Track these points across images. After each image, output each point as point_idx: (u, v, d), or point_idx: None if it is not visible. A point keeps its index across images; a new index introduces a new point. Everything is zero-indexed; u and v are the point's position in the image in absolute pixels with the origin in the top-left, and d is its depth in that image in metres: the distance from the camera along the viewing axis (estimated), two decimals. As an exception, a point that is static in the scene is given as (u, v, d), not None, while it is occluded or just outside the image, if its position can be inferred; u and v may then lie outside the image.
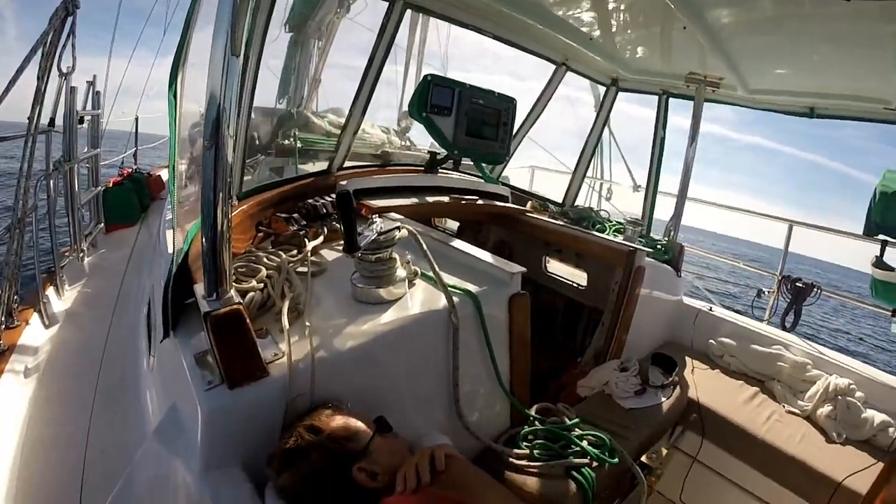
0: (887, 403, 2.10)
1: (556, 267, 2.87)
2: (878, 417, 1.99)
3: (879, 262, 2.38)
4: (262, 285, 1.36)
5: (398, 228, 1.37)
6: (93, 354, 2.27)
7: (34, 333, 2.34)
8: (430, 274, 1.38)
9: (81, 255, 3.22)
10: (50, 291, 2.67)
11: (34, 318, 2.42)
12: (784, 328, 2.86)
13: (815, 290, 2.99)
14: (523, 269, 1.48)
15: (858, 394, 2.12)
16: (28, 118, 2.40)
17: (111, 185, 3.99)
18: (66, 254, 3.18)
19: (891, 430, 1.96)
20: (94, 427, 1.85)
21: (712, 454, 2.11)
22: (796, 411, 2.10)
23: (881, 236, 2.42)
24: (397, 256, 1.40)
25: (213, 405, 1.06)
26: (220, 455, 1.08)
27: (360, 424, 1.10)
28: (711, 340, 2.55)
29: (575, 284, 2.76)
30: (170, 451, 1.17)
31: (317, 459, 1.01)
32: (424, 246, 1.36)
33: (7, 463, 1.62)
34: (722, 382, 2.32)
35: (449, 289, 1.35)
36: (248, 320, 1.08)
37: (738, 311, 2.90)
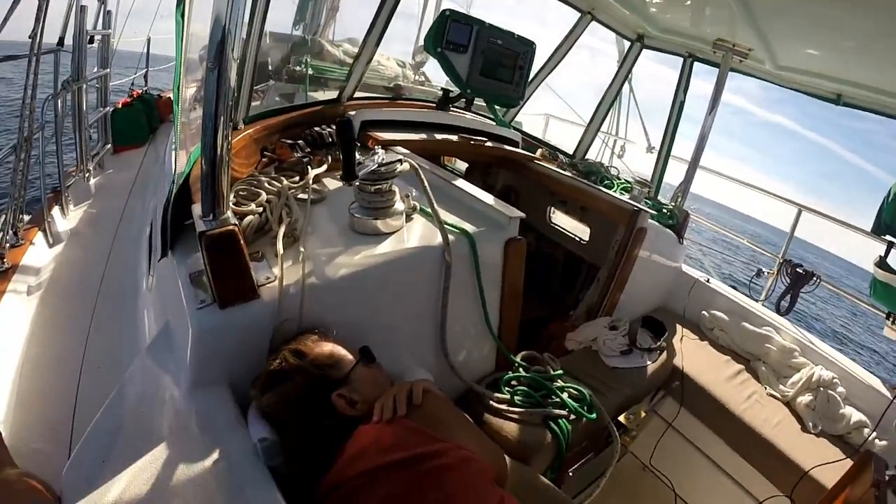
0: (866, 403, 2.11)
1: (560, 219, 2.85)
2: (855, 416, 2.01)
3: (882, 263, 2.34)
4: (260, 209, 1.36)
5: (400, 161, 1.36)
6: (94, 273, 2.30)
7: (38, 252, 2.37)
8: (429, 210, 1.37)
9: (88, 175, 3.21)
10: (55, 211, 2.68)
11: (38, 237, 2.44)
12: (778, 311, 2.85)
13: (815, 278, 2.95)
14: (522, 214, 1.46)
15: (840, 389, 2.13)
16: (30, 36, 2.34)
17: (120, 105, 3.94)
18: (73, 174, 3.17)
19: (865, 430, 1.98)
20: (92, 344, 1.90)
21: (688, 423, 2.15)
22: (777, 395, 2.12)
23: (888, 237, 2.38)
24: (397, 190, 1.39)
25: (204, 323, 1.09)
26: (208, 373, 1.11)
27: (343, 352, 1.12)
28: (704, 312, 2.55)
29: (577, 238, 2.75)
30: (161, 367, 1.21)
31: (299, 383, 1.03)
32: (425, 181, 1.34)
33: (7, 378, 1.67)
34: (708, 355, 2.34)
35: (445, 226, 1.35)
36: (242, 242, 1.08)
37: (734, 287, 2.90)
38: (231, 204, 1.35)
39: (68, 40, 2.91)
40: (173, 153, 1.84)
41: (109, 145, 3.76)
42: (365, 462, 0.92)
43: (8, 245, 2.29)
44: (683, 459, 2.18)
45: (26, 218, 2.54)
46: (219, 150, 1.00)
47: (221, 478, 0.94)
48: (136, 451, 1.03)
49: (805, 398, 2.06)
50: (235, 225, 1.07)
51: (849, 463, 1.76)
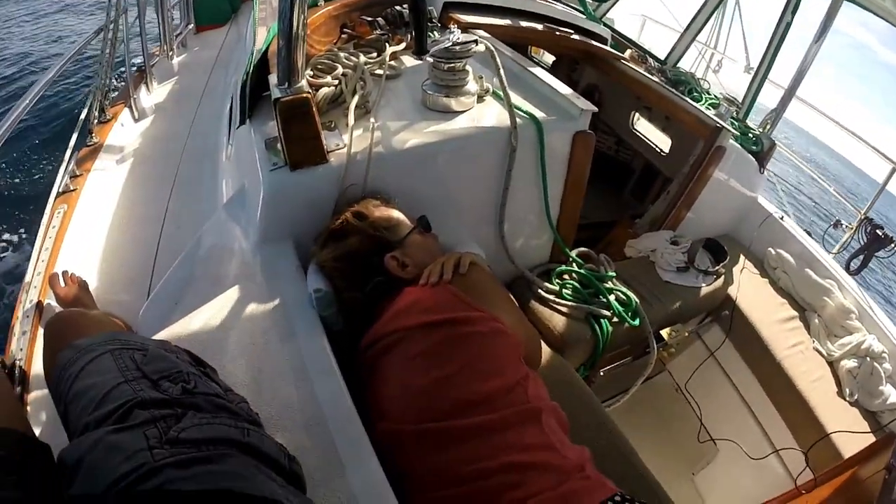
0: None
1: (643, 126, 2.74)
2: (893, 396, 1.89)
3: None
4: (336, 82, 1.39)
5: (475, 42, 1.33)
6: (177, 144, 2.44)
7: (125, 127, 2.52)
8: (500, 93, 1.35)
9: (171, 54, 3.32)
10: (141, 88, 2.81)
11: (125, 114, 2.59)
12: (847, 269, 2.65)
13: (894, 244, 2.69)
14: (594, 108, 1.41)
15: (886, 365, 1.99)
16: None
17: (202, -15, 3.97)
18: (156, 54, 3.28)
19: (898, 413, 1.87)
20: (173, 208, 2.07)
21: (729, 356, 2.12)
22: (822, 352, 2.02)
23: None
24: (470, 70, 1.38)
25: (275, 184, 1.17)
26: (275, 229, 1.21)
27: (401, 217, 1.17)
28: (771, 249, 2.42)
29: (657, 149, 2.64)
30: (234, 222, 1.31)
31: (356, 241, 1.10)
32: (499, 63, 1.31)
33: (95, 237, 1.84)
34: (764, 293, 2.24)
35: (514, 109, 1.33)
36: (314, 108, 1.13)
37: (808, 232, 2.71)
38: (308, 76, 1.40)
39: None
40: (253, 29, 1.87)
41: (192, 25, 3.82)
42: (405, 320, 0.98)
43: (96, 122, 2.46)
44: (717, 390, 2.18)
45: (112, 97, 2.69)
46: (295, 22, 1.02)
47: (278, 322, 1.04)
48: (205, 296, 1.16)
49: (849, 363, 1.95)
50: (308, 93, 1.11)
51: (871, 439, 1.71)
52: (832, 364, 2.00)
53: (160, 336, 1.05)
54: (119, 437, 0.61)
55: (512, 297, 1.36)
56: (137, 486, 0.56)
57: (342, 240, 1.11)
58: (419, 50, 1.25)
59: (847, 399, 1.87)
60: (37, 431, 0.71)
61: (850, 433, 1.70)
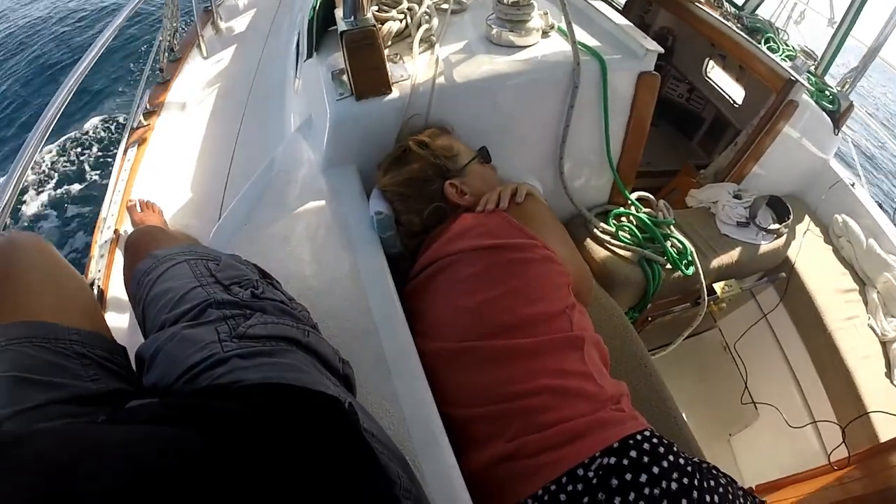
0: None
1: (717, 74, 2.63)
2: None
3: None
4: (401, 16, 1.41)
5: None
6: (246, 79, 2.53)
7: (194, 64, 2.61)
8: (565, 29, 1.33)
9: (238, -8, 3.38)
10: (208, 28, 2.89)
11: (193, 52, 2.67)
12: None
13: None
14: (660, 49, 1.37)
15: None
16: None
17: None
18: None
19: (947, 404, 1.76)
20: (243, 139, 2.16)
21: (781, 320, 2.07)
22: (877, 330, 1.92)
23: None
24: (535, 4, 1.36)
25: (341, 112, 1.21)
26: (341, 154, 1.26)
27: (462, 147, 1.20)
28: (837, 216, 2.30)
29: (730, 99, 2.55)
30: (302, 148, 1.37)
31: (417, 168, 1.13)
32: None
33: (169, 167, 1.95)
34: (825, 260, 2.14)
35: (579, 46, 1.31)
36: (379, 40, 1.15)
37: (879, 205, 2.55)
38: (374, 10, 1.41)
39: None
40: None
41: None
42: (459, 243, 1.01)
43: (167, 60, 2.56)
44: (764, 352, 2.14)
45: (182, 36, 2.78)
46: None
47: (340, 240, 1.11)
48: (273, 216, 1.23)
49: None
50: (374, 26, 1.14)
51: None
52: (885, 344, 1.92)
53: (230, 251, 1.14)
54: (194, 331, 0.68)
55: (565, 228, 1.38)
56: (207, 373, 0.63)
57: (404, 165, 1.15)
58: None
59: (894, 382, 1.81)
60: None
61: (891, 416, 1.65)
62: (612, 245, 1.52)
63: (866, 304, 2.04)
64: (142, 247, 0.97)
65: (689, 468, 0.80)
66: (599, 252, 1.51)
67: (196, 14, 2.88)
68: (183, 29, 2.90)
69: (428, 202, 1.13)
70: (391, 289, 1.02)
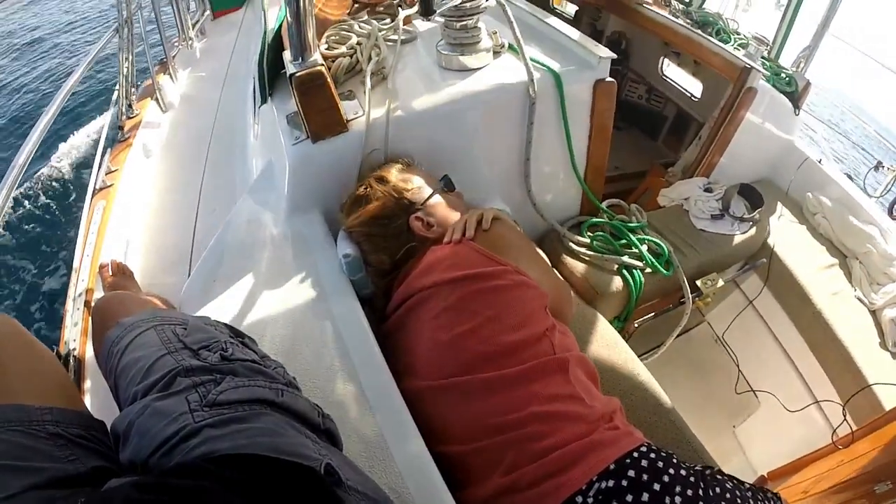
0: None
1: (673, 72, 2.67)
2: None
3: None
4: (351, 51, 1.40)
5: None
6: (206, 129, 2.50)
7: (152, 119, 2.57)
8: (516, 47, 1.33)
9: (191, 42, 3.36)
10: (164, 80, 2.85)
11: (151, 106, 2.63)
12: (891, 214, 2.51)
13: None
14: (613, 54, 1.38)
15: None
16: None
17: (214, -29, 3.99)
18: (176, 44, 3.33)
19: (945, 362, 1.77)
20: (206, 191, 2.13)
21: (768, 304, 2.07)
22: (865, 301, 1.94)
23: None
24: (483, 26, 1.36)
25: (299, 156, 1.20)
26: (304, 199, 1.24)
27: (425, 178, 1.18)
28: (809, 194, 2.32)
29: (689, 94, 2.58)
30: (264, 197, 1.35)
31: (380, 206, 1.11)
32: (510, 15, 1.29)
33: (135, 226, 1.91)
34: (803, 239, 2.16)
35: (531, 62, 1.31)
36: (329, 80, 1.14)
37: (849, 177, 2.58)
38: (322, 48, 1.40)
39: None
40: (264, 9, 1.89)
41: (208, 11, 3.86)
42: (431, 277, 0.99)
43: (125, 117, 2.53)
44: (755, 339, 2.14)
45: (138, 92, 2.74)
46: None
47: (310, 288, 1.08)
48: (240, 271, 1.20)
49: (891, 312, 1.87)
50: (322, 65, 1.13)
51: None
52: (874, 313, 1.92)
53: (201, 312, 1.10)
54: (164, 403, 0.66)
55: (539, 249, 1.36)
56: (180, 446, 0.61)
57: (366, 205, 1.13)
58: (425, 11, 1.24)
59: (890, 349, 1.80)
60: (93, 412, 0.77)
61: (891, 386, 1.64)
62: (589, 257, 1.50)
63: (850, 276, 2.05)
64: (110, 314, 0.95)
65: (691, 479, 0.78)
66: (577, 266, 1.49)
67: (151, 67, 2.84)
68: (139, 84, 2.87)
69: (395, 239, 1.11)
70: (367, 332, 0.99)
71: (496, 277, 0.97)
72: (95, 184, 2.14)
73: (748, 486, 0.84)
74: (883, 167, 2.80)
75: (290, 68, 1.13)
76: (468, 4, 1.29)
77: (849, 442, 1.44)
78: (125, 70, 2.55)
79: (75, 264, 1.77)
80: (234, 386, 0.69)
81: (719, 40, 2.28)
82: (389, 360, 0.95)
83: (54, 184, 4.78)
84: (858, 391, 1.64)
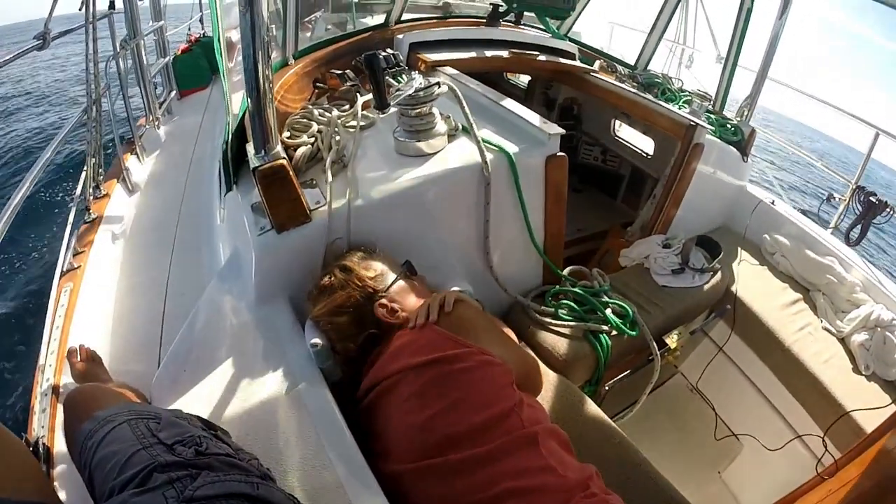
0: None
1: (626, 132, 2.76)
2: None
3: None
4: (312, 140, 1.45)
5: (437, 84, 1.37)
6: (173, 213, 2.51)
7: (120, 201, 2.58)
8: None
9: (157, 123, 3.41)
10: (131, 161, 2.87)
11: (118, 188, 2.64)
12: (848, 242, 2.63)
13: (889, 209, 2.65)
14: (562, 130, 1.45)
15: None
16: (80, 8, 2.45)
17: (180, 52, 4.09)
18: (143, 124, 3.37)
19: (919, 377, 1.82)
20: (174, 276, 2.12)
21: (738, 348, 2.11)
22: (832, 330, 1.99)
23: None
24: (437, 112, 1.42)
25: (264, 247, 1.22)
26: (270, 289, 1.25)
27: (387, 265, 1.21)
28: (766, 235, 2.42)
29: (642, 152, 2.66)
30: (230, 288, 1.36)
31: (345, 295, 1.13)
32: (463, 102, 1.36)
33: (103, 312, 1.89)
34: (765, 280, 2.22)
35: (483, 144, 1.37)
36: (291, 173, 1.18)
37: (803, 213, 2.70)
38: (285, 137, 1.45)
39: (119, 3, 3.00)
40: (226, 97, 1.95)
41: (174, 92, 3.95)
42: (397, 363, 1.01)
43: (92, 198, 2.52)
44: (729, 384, 2.17)
45: (105, 172, 2.75)
46: (261, 88, 1.07)
47: (280, 378, 1.09)
48: (210, 361, 1.20)
49: (860, 337, 1.91)
50: (284, 158, 1.16)
51: (893, 409, 1.67)
52: (843, 340, 1.97)
53: (173, 405, 1.09)
54: (141, 499, 0.66)
55: (502, 326, 1.38)
56: None
57: (331, 294, 1.15)
58: (380, 106, 1.31)
59: (864, 373, 1.84)
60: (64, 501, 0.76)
61: (870, 409, 1.67)
62: (555, 326, 1.53)
63: (815, 309, 2.11)
64: (83, 407, 0.96)
65: None
66: (544, 336, 1.51)
67: (118, 149, 2.86)
68: (106, 164, 2.88)
69: (361, 327, 1.13)
70: (341, 422, 0.99)
71: (460, 359, 0.98)
72: (63, 265, 2.12)
73: None
74: (834, 198, 2.93)
75: (254, 161, 1.16)
76: (422, 93, 1.36)
77: (833, 471, 1.44)
78: (93, 150, 2.56)
79: (42, 349, 1.74)
80: (210, 481, 0.70)
81: (665, 100, 2.42)
82: (366, 441, 0.96)
83: (20, 263, 4.67)
84: (837, 419, 1.67)
